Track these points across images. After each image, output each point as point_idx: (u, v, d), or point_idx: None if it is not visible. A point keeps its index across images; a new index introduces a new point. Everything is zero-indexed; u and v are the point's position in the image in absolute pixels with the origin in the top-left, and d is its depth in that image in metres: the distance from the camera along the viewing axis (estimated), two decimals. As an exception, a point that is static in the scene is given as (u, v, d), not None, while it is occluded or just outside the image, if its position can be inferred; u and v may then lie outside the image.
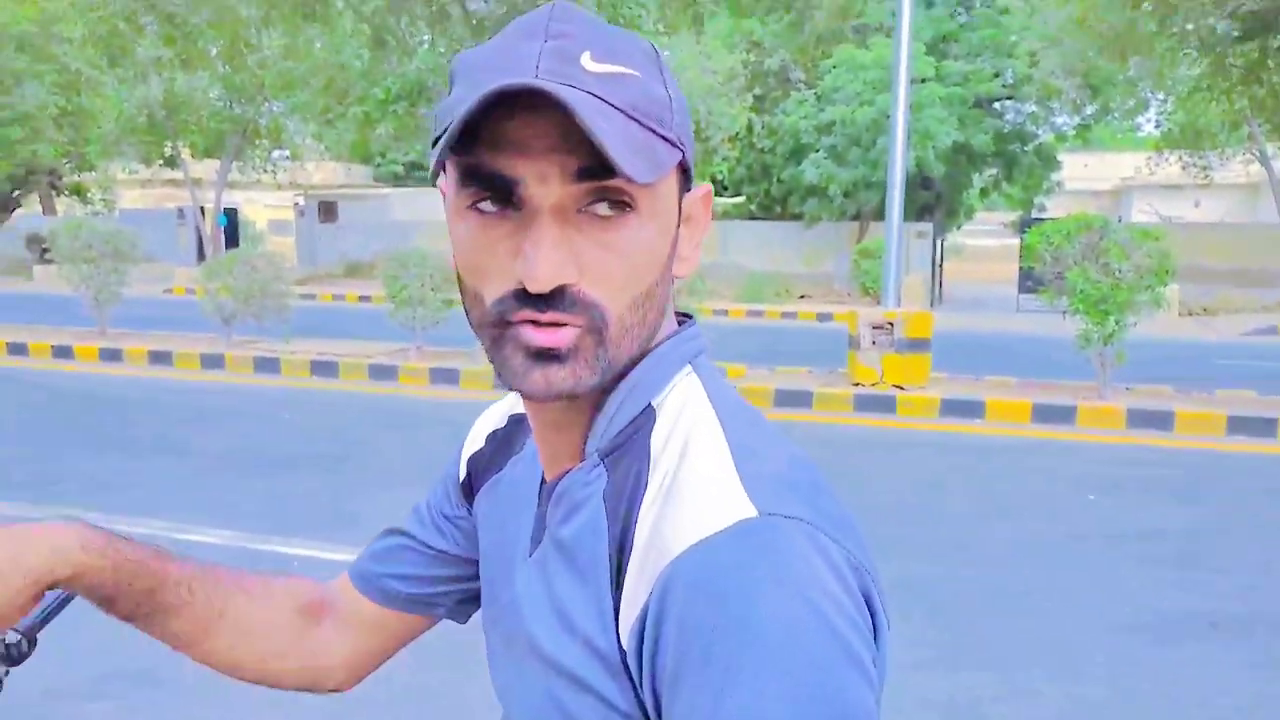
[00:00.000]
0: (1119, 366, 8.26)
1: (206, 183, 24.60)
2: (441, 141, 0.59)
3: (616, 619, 0.62)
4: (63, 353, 10.93)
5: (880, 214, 15.66)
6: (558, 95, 0.55)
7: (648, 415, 0.67)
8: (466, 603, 0.90)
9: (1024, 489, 6.16)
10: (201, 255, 20.11)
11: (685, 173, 0.66)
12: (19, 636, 0.79)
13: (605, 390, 0.66)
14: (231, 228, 23.62)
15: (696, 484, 0.61)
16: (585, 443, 0.68)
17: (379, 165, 33.78)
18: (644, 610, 0.59)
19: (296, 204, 26.48)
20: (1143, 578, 4.56)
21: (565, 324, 0.61)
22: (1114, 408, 8.01)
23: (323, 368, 10.03)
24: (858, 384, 8.85)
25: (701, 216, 0.70)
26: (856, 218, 20.96)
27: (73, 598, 0.80)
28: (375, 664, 0.93)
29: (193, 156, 23.29)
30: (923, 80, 18.13)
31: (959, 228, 25.15)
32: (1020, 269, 17.04)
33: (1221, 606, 4.22)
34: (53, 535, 0.75)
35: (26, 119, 20.18)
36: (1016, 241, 19.12)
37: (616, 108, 0.59)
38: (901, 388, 8.69)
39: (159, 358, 10.59)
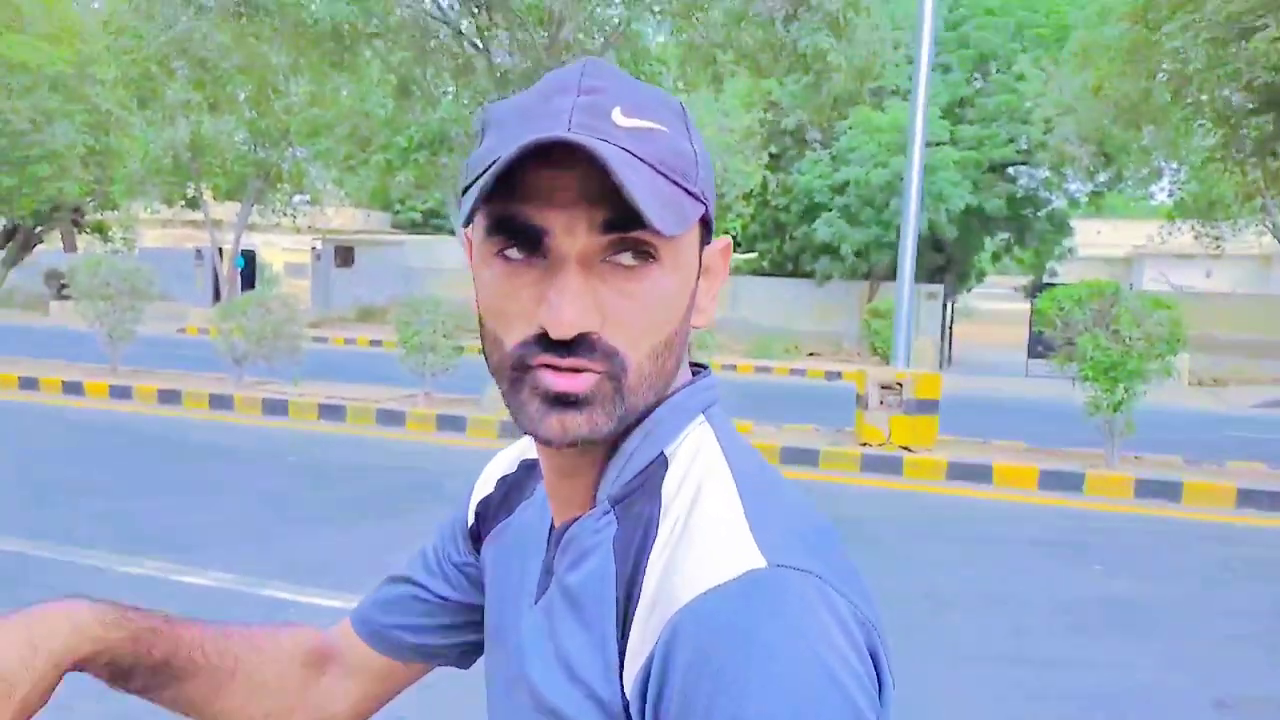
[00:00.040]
0: (1128, 436, 8.20)
1: (226, 224, 24.91)
2: (474, 190, 0.61)
3: (621, 667, 0.62)
4: (73, 388, 11.00)
5: (892, 274, 15.71)
6: (591, 148, 0.57)
7: (660, 463, 0.67)
8: (471, 650, 0.90)
9: (1028, 555, 6.08)
10: (217, 296, 20.30)
11: (706, 226, 0.67)
12: None
13: (619, 437, 0.67)
14: (249, 270, 23.88)
15: (707, 533, 0.61)
16: (596, 489, 0.69)
17: (398, 212, 34.18)
18: (649, 658, 0.59)
19: (314, 248, 26.77)
20: (1130, 650, 4.47)
21: (585, 369, 0.62)
22: (1122, 476, 7.93)
23: (331, 411, 10.06)
24: (865, 444, 8.80)
25: (720, 269, 0.71)
26: (868, 277, 21.05)
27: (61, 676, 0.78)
28: (378, 708, 0.93)
29: (214, 198, 23.63)
30: (937, 144, 18.33)
31: (970, 290, 25.24)
32: (1031, 333, 17.03)
33: (1229, 691, 4.13)
34: (68, 613, 0.73)
35: (55, 157, 20.53)
36: (1027, 305, 19.13)
37: (645, 161, 0.60)
38: (909, 449, 8.64)
39: (168, 396, 10.64)
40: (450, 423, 9.65)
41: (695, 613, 0.58)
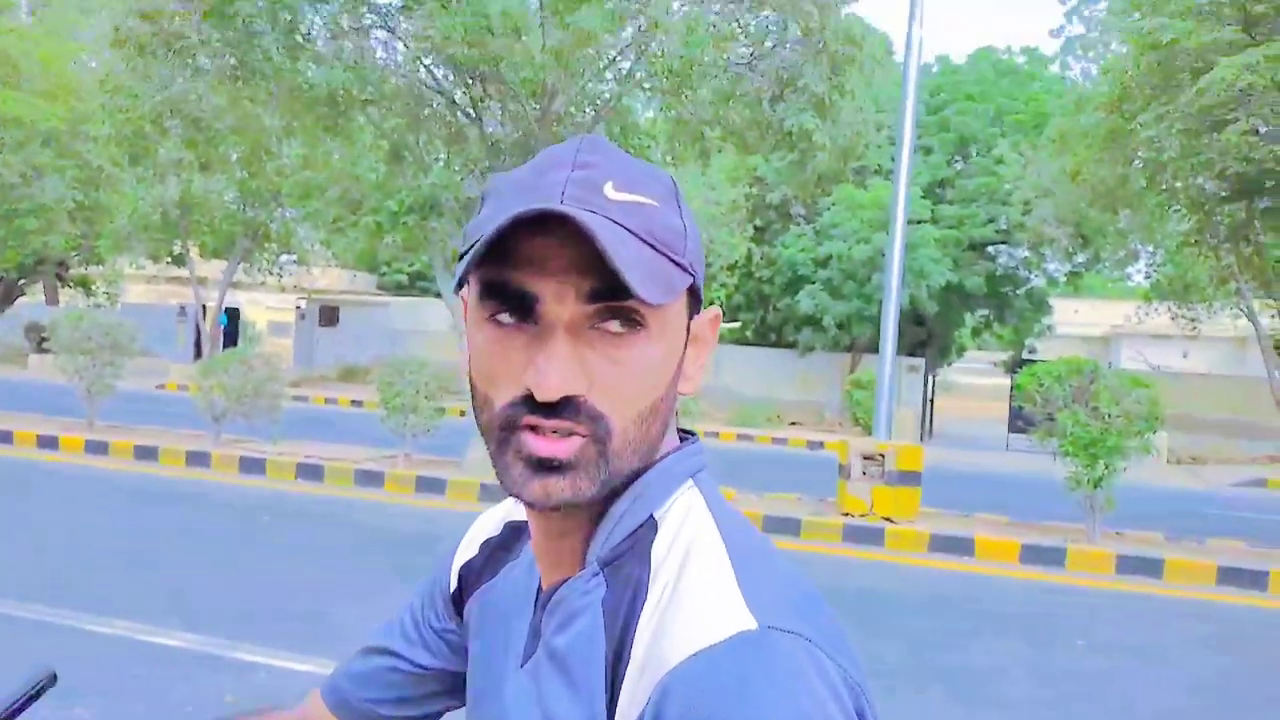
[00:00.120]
0: (1109, 512, 8.22)
1: (211, 282, 24.92)
2: (469, 256, 0.63)
3: None
4: (48, 443, 10.84)
5: (873, 346, 15.84)
6: (579, 219, 0.59)
7: (650, 526, 0.68)
8: (442, 714, 0.88)
9: (1010, 629, 6.03)
10: (199, 353, 20.20)
11: (695, 296, 0.69)
12: None
13: (608, 500, 0.67)
14: (232, 327, 23.82)
15: (697, 595, 0.62)
16: (586, 551, 0.69)
17: (384, 274, 34.32)
18: None
19: (298, 307, 26.76)
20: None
21: (571, 432, 0.63)
22: (1104, 552, 7.92)
23: (308, 470, 9.94)
24: (847, 514, 8.77)
25: (708, 338, 0.72)
26: (850, 349, 21.23)
27: (55, 681, 0.77)
28: None
29: (201, 256, 23.68)
30: (918, 221, 18.68)
31: (950, 364, 25.44)
32: (1012, 408, 17.14)
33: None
34: None
35: (43, 211, 20.58)
36: (1007, 381, 19.31)
37: (633, 233, 0.62)
38: (891, 520, 8.62)
39: (145, 453, 10.50)
40: (430, 484, 9.56)
41: (685, 674, 0.58)
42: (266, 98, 11.17)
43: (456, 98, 10.70)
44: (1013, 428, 17.38)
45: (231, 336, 23.23)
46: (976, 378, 37.36)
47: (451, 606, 0.85)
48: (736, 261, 21.24)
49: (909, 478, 8.80)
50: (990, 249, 22.15)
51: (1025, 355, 23.28)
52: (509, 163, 10.42)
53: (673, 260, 0.64)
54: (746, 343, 23.60)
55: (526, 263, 0.62)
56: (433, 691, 0.87)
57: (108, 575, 5.88)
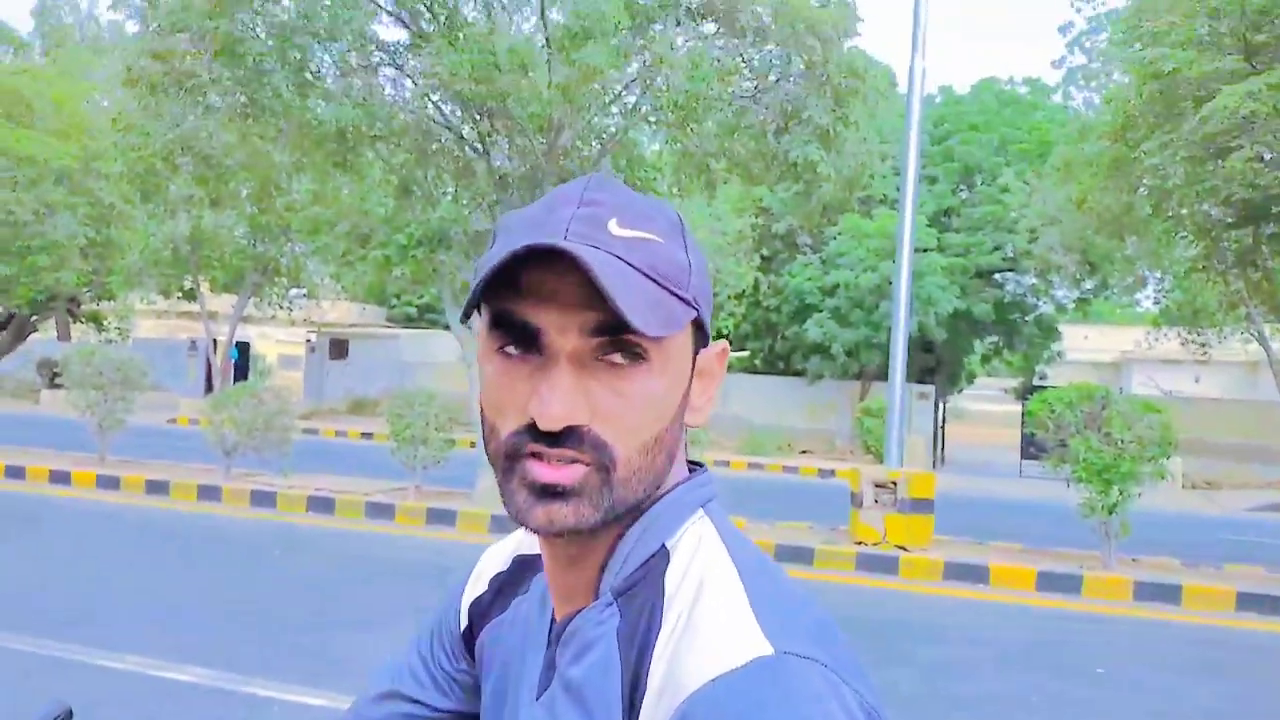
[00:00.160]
0: (1124, 538, 8.16)
1: (222, 316, 25.08)
2: (473, 288, 0.65)
3: None
4: (60, 478, 10.87)
5: (882, 374, 15.86)
6: (577, 254, 0.61)
7: (662, 556, 0.69)
8: None
9: (1027, 657, 5.97)
10: (209, 387, 20.29)
11: (701, 329, 0.70)
12: None
13: (619, 530, 0.68)
14: (243, 361, 23.93)
15: (712, 622, 0.63)
16: (599, 581, 0.70)
17: (393, 306, 34.47)
18: None
19: (308, 340, 26.88)
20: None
21: (574, 460, 0.64)
22: (1120, 579, 7.85)
23: (319, 503, 9.94)
24: (860, 542, 8.72)
25: (716, 371, 0.73)
26: (859, 376, 21.20)
27: (71, 717, 0.78)
28: None
29: (211, 291, 23.84)
30: (924, 250, 18.73)
31: (960, 391, 25.35)
32: (1024, 435, 17.06)
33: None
34: None
35: (55, 248, 20.78)
36: (1018, 407, 19.24)
37: (636, 268, 0.64)
38: (904, 548, 8.56)
39: (156, 487, 10.52)
40: (441, 516, 9.54)
41: (704, 699, 0.58)
42: (276, 134, 11.32)
43: (464, 133, 10.82)
44: (1025, 454, 17.30)
45: (242, 370, 23.33)
46: (988, 404, 37.23)
47: (462, 644, 0.85)
48: (744, 291, 21.31)
49: (922, 505, 8.75)
50: (997, 276, 22.17)
51: (1036, 382, 23.22)
52: (516, 196, 10.50)
53: (675, 294, 0.66)
54: (755, 371, 23.59)
55: (532, 296, 0.64)
56: None
57: (120, 610, 5.87)
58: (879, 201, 20.84)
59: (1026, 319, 22.92)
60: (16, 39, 30.93)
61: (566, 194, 0.68)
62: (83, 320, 27.39)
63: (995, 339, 23.44)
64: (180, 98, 10.62)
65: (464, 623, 0.85)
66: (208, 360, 22.23)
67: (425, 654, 0.87)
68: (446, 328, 19.39)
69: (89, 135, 21.73)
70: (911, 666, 5.60)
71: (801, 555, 8.47)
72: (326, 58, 10.76)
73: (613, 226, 0.65)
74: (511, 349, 0.66)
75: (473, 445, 11.13)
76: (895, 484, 8.77)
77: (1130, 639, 6.63)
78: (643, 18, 9.94)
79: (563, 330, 0.64)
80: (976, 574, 8.08)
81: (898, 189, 10.41)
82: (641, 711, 0.62)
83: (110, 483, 10.68)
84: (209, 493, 10.31)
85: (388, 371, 23.95)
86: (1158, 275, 19.68)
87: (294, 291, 23.41)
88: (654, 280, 0.64)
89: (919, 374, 20.83)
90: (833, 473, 16.61)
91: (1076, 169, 14.69)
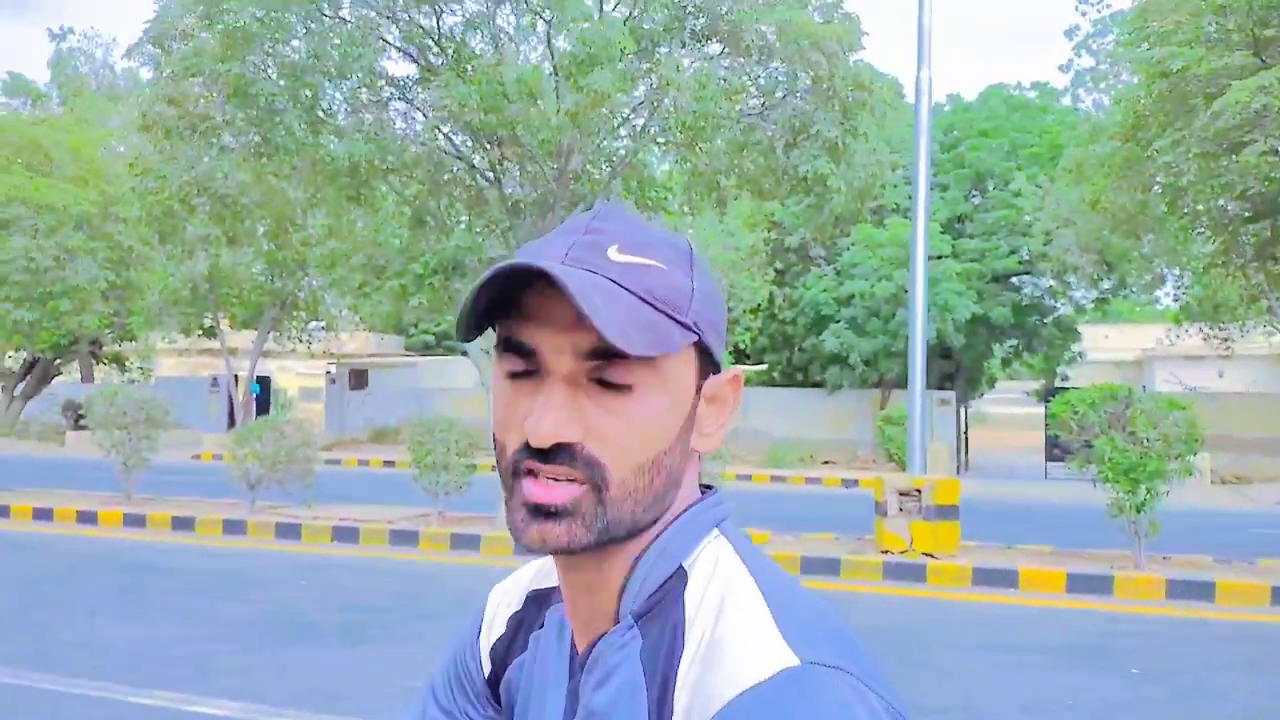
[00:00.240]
0: (1153, 536, 8.07)
1: (242, 352, 25.31)
2: (460, 309, 0.68)
3: None
4: (87, 518, 10.97)
5: (902, 381, 15.77)
6: (555, 275, 0.63)
7: (679, 577, 0.70)
8: None
9: (1061, 660, 5.91)
10: (232, 422, 20.45)
11: (708, 355, 0.71)
12: None
13: (633, 555, 0.70)
14: (264, 395, 24.11)
15: (736, 637, 0.64)
16: (618, 607, 0.71)
17: (411, 335, 34.68)
18: None
19: (328, 371, 27.06)
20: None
21: (567, 477, 0.66)
22: (1152, 577, 7.77)
23: (344, 533, 9.98)
24: (886, 551, 8.67)
25: (728, 397, 0.74)
26: (878, 385, 21.11)
27: None
28: None
29: (231, 327, 24.09)
30: (939, 257, 18.68)
31: (981, 395, 25.18)
32: (1048, 437, 16.93)
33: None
34: None
35: (76, 292, 21.09)
36: (1041, 410, 19.09)
37: (630, 291, 0.66)
38: (932, 556, 8.50)
39: (182, 523, 10.60)
40: (464, 541, 9.56)
41: (734, 712, 0.59)
42: (290, 172, 11.47)
43: (475, 162, 10.92)
44: (1050, 456, 17.16)
45: (264, 404, 23.50)
46: (1010, 408, 36.95)
47: (487, 690, 0.84)
48: (759, 304, 21.31)
49: (947, 512, 8.70)
50: (1014, 280, 22.07)
51: (1058, 383, 23.04)
52: (529, 222, 10.58)
53: (673, 318, 0.67)
54: (773, 384, 23.54)
55: (534, 319, 0.66)
56: None
57: (147, 647, 5.91)
58: (891, 210, 20.81)
59: (1045, 321, 22.78)
60: (34, 90, 31.56)
61: (576, 223, 0.70)
62: (105, 362, 27.73)
63: (1015, 342, 23.30)
64: (195, 140, 10.80)
65: (487, 669, 0.85)
66: (229, 396, 22.42)
67: (447, 705, 0.86)
68: (464, 354, 19.49)
69: (107, 181, 22.09)
70: (944, 674, 5.55)
71: (828, 566, 8.43)
72: (337, 95, 10.92)
73: (613, 252, 0.67)
74: (516, 370, 0.68)
75: (493, 469, 11.16)
76: (919, 491, 8.72)
77: (1165, 638, 6.55)
78: (648, 41, 10.04)
79: (558, 350, 0.66)
80: (1006, 578, 8.01)
81: (909, 198, 10.41)
82: None
83: (137, 520, 10.78)
84: (234, 526, 10.38)
85: (407, 400, 24.07)
86: (1176, 272, 19.52)
87: (312, 324, 23.62)
88: (649, 303, 0.66)
89: (939, 380, 20.74)
90: (856, 483, 16.53)
91: (1089, 170, 14.65)
